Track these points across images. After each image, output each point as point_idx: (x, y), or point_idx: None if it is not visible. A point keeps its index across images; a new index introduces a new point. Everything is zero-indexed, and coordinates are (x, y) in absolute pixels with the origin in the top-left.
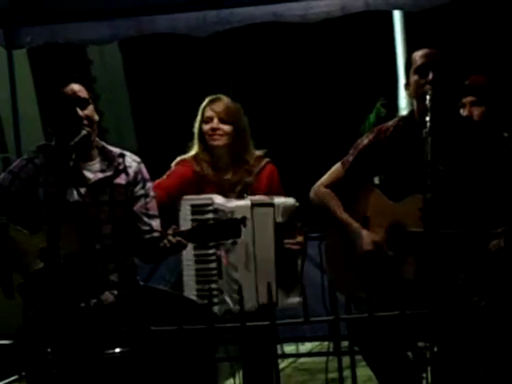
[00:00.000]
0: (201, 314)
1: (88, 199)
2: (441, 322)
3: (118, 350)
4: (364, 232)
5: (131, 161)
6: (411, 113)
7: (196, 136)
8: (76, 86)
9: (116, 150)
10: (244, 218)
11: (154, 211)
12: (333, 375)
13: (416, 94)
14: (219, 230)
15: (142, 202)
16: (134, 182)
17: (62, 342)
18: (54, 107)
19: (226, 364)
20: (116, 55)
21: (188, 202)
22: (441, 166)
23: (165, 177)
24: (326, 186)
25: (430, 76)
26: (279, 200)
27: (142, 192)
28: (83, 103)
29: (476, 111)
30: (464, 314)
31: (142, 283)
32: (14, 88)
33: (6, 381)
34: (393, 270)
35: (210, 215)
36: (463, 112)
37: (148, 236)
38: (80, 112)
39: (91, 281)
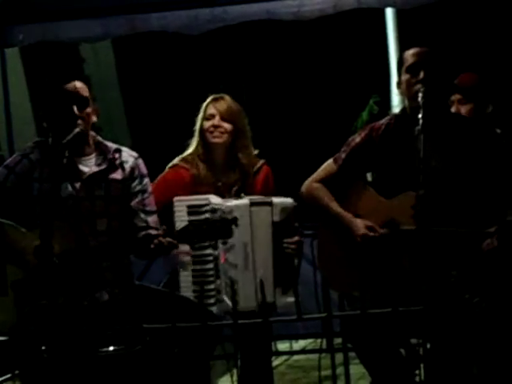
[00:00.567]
0: (197, 313)
1: (82, 193)
2: (434, 319)
3: (111, 348)
4: (357, 219)
5: (128, 156)
6: (403, 110)
7: (197, 133)
8: (79, 84)
9: (112, 145)
10: (235, 219)
11: (151, 207)
12: (326, 372)
13: (408, 93)
14: (209, 230)
15: (139, 197)
16: (130, 178)
17: (56, 340)
18: (52, 102)
19: (222, 361)
20: (109, 53)
21: (184, 202)
22: (433, 163)
23: (156, 182)
24: (318, 182)
25: (422, 75)
26: (277, 199)
27: (139, 188)
28: (83, 102)
29: (463, 109)
30: (457, 311)
31: (137, 282)
32: (7, 86)
33: (0, 379)
34: (389, 257)
35: (207, 215)
36: (451, 110)
37: (144, 232)
38: (76, 110)
39: (86, 279)
